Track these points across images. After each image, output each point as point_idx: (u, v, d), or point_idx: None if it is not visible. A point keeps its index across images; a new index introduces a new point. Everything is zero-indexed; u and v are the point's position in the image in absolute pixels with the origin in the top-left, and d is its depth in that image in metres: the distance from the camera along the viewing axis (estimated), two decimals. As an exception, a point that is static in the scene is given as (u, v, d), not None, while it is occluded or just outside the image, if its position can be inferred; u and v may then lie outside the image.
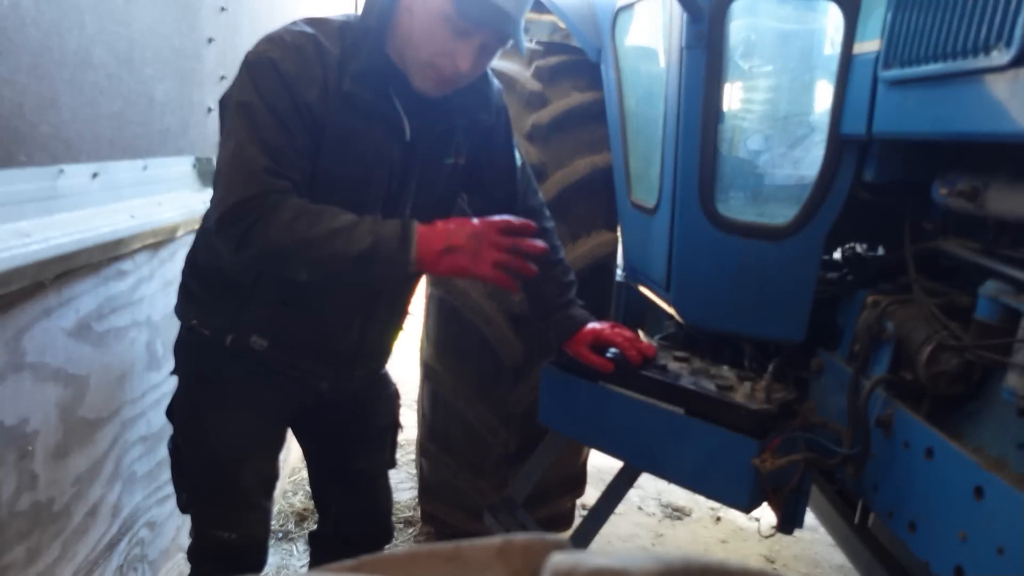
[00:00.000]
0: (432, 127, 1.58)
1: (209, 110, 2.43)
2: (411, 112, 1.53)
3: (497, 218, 1.50)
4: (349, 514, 1.95)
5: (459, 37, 1.44)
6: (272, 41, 1.44)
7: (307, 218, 1.40)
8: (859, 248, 2.01)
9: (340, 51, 1.47)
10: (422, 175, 1.60)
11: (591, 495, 2.79)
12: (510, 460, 2.57)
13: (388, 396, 1.94)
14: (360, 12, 1.51)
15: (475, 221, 1.48)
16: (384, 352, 1.84)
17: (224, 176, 1.44)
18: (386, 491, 2.01)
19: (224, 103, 1.54)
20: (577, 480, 2.90)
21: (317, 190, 1.49)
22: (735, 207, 1.88)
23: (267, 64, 1.41)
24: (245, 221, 1.39)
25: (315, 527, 2.05)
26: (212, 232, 1.66)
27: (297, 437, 1.97)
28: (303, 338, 1.64)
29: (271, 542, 2.45)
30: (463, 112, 1.61)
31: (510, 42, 1.50)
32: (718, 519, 3.39)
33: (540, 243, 1.53)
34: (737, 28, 1.79)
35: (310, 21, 1.50)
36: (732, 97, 1.85)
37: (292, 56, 1.42)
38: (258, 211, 1.39)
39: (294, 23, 1.49)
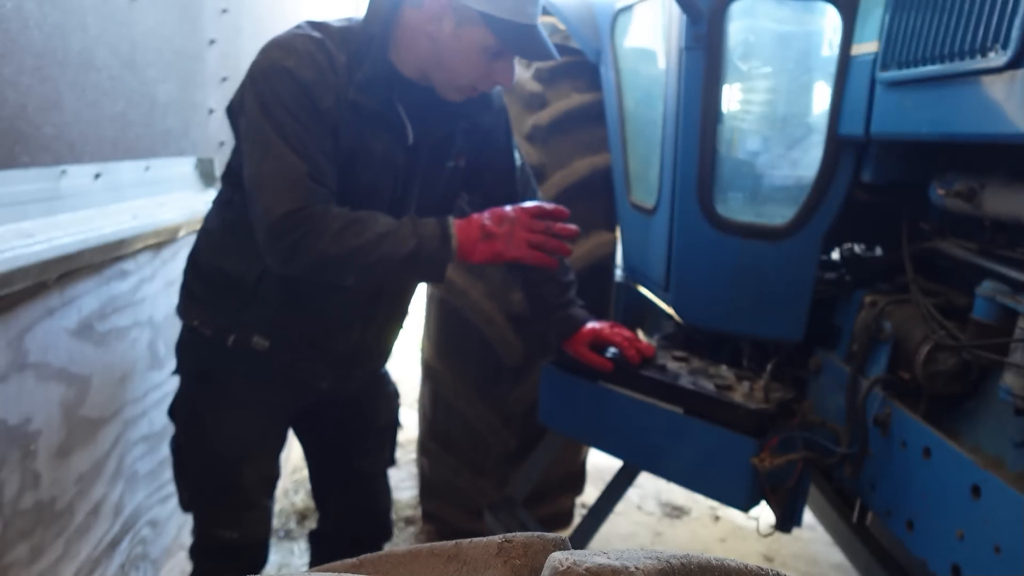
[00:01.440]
0: (434, 131, 1.58)
1: (211, 111, 2.43)
2: (413, 117, 1.54)
3: (530, 204, 1.59)
4: (349, 512, 1.96)
5: (496, 59, 1.48)
6: (284, 48, 1.44)
7: (354, 227, 1.44)
8: (857, 248, 2.02)
9: (347, 58, 1.47)
10: (425, 178, 1.61)
11: (591, 494, 2.80)
12: (510, 459, 2.57)
13: (387, 395, 1.95)
14: (363, 18, 1.52)
15: (508, 208, 1.57)
16: (384, 352, 1.85)
17: (267, 187, 1.43)
18: (385, 490, 2.01)
19: (235, 111, 1.54)
20: (577, 479, 2.91)
21: None
22: (734, 208, 1.89)
23: (283, 72, 1.41)
24: (296, 232, 1.41)
25: (315, 526, 2.06)
26: (216, 233, 1.66)
27: (297, 436, 1.98)
28: (304, 338, 1.65)
29: (273, 541, 2.46)
30: (465, 115, 1.62)
31: None
32: (717, 518, 3.39)
33: (573, 226, 1.60)
34: (736, 30, 1.79)
35: (315, 26, 1.49)
36: (731, 98, 1.86)
37: (307, 64, 1.42)
38: (307, 222, 1.41)
39: (299, 27, 1.49)
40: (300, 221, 1.41)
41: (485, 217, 1.55)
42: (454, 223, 1.53)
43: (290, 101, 1.41)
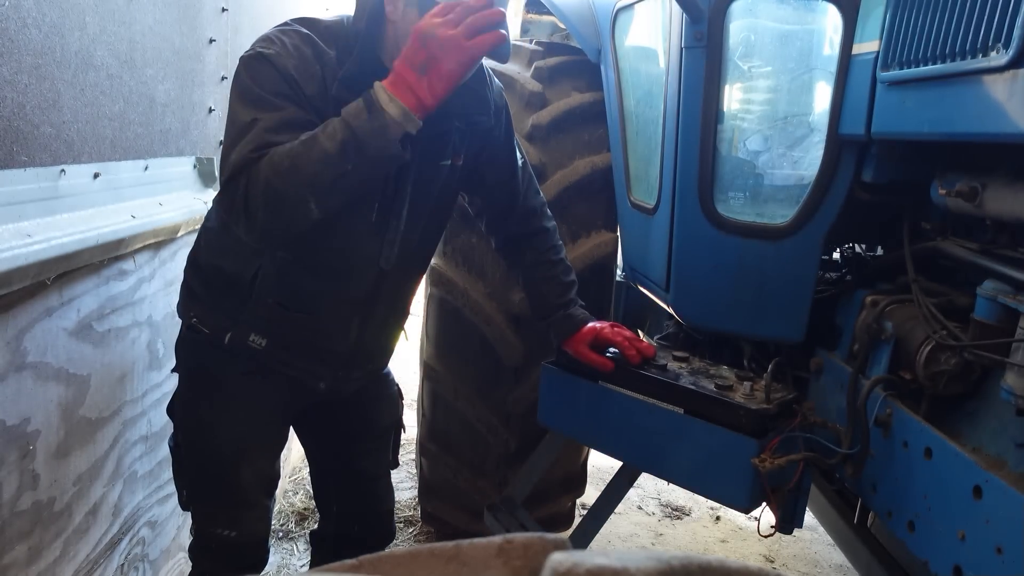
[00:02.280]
0: (426, 129, 1.57)
1: (210, 110, 2.43)
2: None
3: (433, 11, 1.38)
4: (350, 514, 1.96)
5: None
6: (269, 40, 1.44)
7: (280, 150, 1.36)
8: (858, 248, 2.02)
9: (336, 52, 1.47)
10: (418, 177, 1.60)
11: (591, 495, 2.79)
12: (510, 460, 2.57)
13: (390, 396, 1.94)
14: (352, 15, 1.52)
15: (415, 32, 1.36)
16: (383, 353, 1.84)
17: (222, 159, 1.44)
18: (388, 491, 2.01)
19: None
20: (577, 480, 2.91)
21: None
22: (734, 207, 1.89)
23: (263, 59, 1.41)
24: (237, 190, 1.38)
25: (316, 526, 2.05)
26: (214, 231, 1.67)
27: (299, 436, 1.97)
28: (301, 338, 1.64)
29: (272, 541, 2.46)
30: (458, 114, 1.61)
31: None
32: (717, 518, 3.39)
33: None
34: (736, 29, 1.79)
35: (302, 21, 1.50)
36: (731, 97, 1.85)
37: (289, 53, 1.42)
38: (243, 174, 1.37)
39: (286, 23, 1.49)
40: (237, 176, 1.37)
41: (406, 54, 1.37)
42: (381, 85, 1.37)
43: (267, 85, 1.40)
